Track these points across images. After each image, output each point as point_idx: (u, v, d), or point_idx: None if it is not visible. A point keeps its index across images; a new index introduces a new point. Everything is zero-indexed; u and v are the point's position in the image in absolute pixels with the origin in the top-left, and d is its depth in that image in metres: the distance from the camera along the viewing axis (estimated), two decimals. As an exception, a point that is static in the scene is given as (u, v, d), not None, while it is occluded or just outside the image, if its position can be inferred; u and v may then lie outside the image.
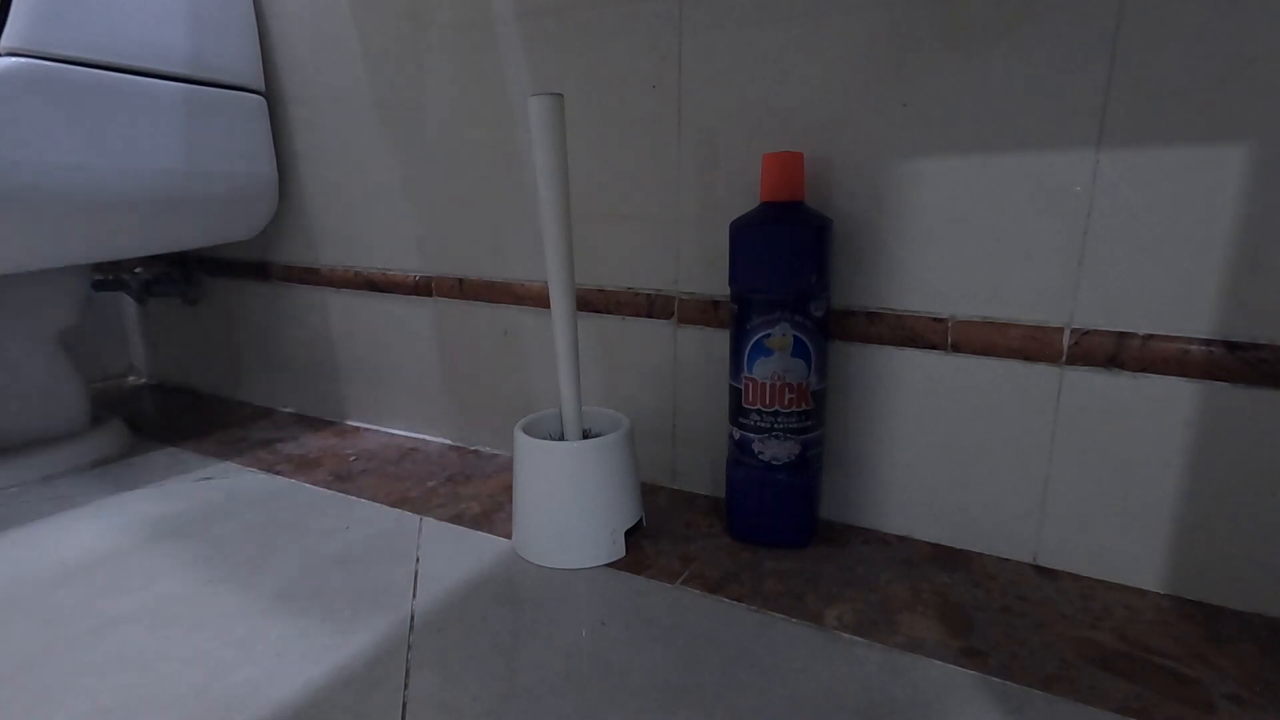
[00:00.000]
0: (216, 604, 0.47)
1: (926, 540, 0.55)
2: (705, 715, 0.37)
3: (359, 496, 0.64)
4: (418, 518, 0.60)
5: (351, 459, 0.73)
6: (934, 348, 0.51)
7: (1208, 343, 0.43)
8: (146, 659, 0.42)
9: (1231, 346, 0.43)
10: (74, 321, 0.75)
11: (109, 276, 0.93)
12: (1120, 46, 0.42)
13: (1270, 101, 0.40)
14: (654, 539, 0.55)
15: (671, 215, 0.59)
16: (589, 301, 0.65)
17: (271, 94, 0.77)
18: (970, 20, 0.46)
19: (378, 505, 0.62)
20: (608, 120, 0.60)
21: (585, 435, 0.55)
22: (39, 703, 0.38)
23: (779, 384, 0.50)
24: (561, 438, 0.54)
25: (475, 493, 0.65)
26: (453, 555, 0.53)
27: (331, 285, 0.81)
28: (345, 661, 0.41)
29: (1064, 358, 0.47)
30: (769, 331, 0.50)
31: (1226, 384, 0.43)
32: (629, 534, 0.54)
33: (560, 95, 0.47)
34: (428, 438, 0.79)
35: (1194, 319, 0.44)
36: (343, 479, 0.68)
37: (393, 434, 0.81)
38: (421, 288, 0.74)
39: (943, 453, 0.53)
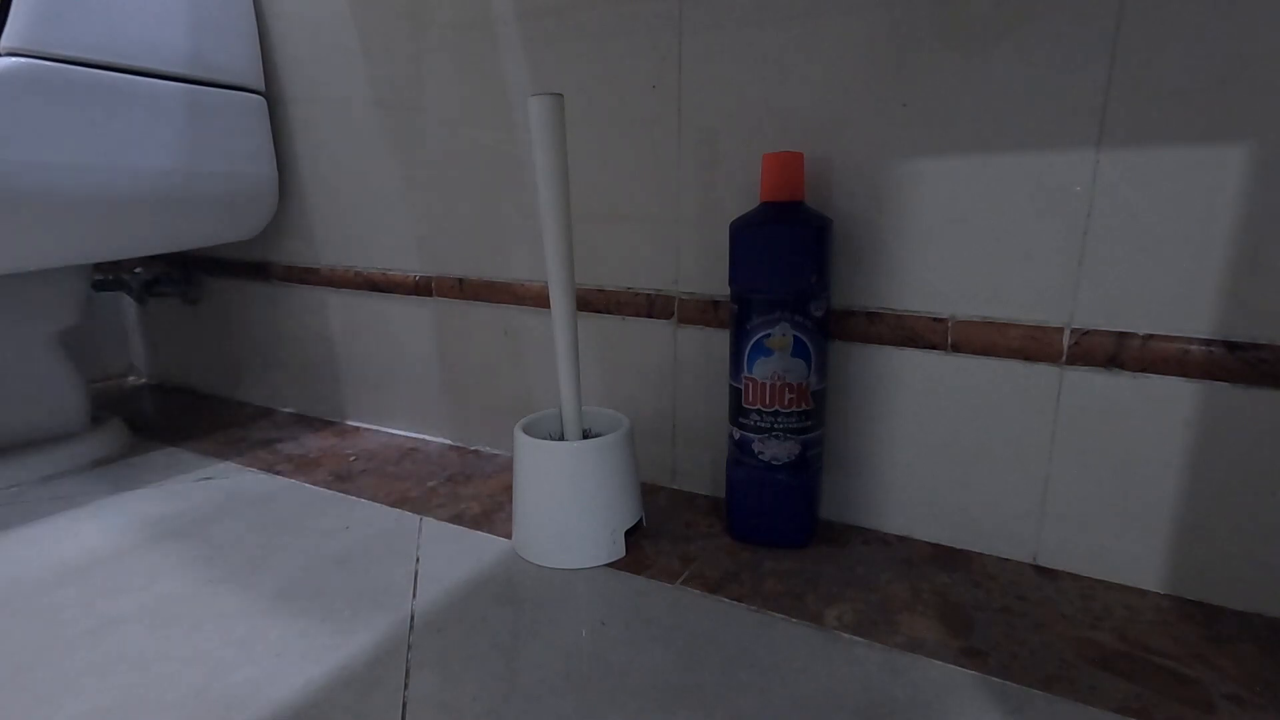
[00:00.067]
0: (216, 604, 0.47)
1: (926, 540, 0.55)
2: (705, 715, 0.37)
3: (359, 496, 0.64)
4: (418, 518, 0.60)
5: (351, 459, 0.73)
6: (934, 348, 0.51)
7: (1208, 343, 0.43)
8: (146, 659, 0.42)
9: (1231, 346, 0.43)
10: (74, 321, 0.75)
11: (109, 276, 0.93)
12: (1120, 46, 0.43)
13: (1270, 101, 0.40)
14: (654, 539, 0.55)
15: (671, 215, 0.59)
16: (589, 301, 0.65)
17: (271, 94, 0.77)
18: (970, 20, 0.46)
19: (378, 505, 0.62)
20: (608, 120, 0.60)
21: (585, 435, 0.55)
22: (39, 703, 0.38)
23: (779, 384, 0.50)
24: (561, 438, 0.54)
25: (475, 493, 0.65)
26: (453, 555, 0.53)
27: (331, 285, 0.81)
28: (345, 661, 0.41)
29: (1064, 358, 0.47)
30: (769, 331, 0.50)
31: (1226, 384, 0.43)
32: (629, 534, 0.54)
33: (560, 95, 0.47)
34: (428, 438, 0.79)
35: (1194, 319, 0.44)
36: (343, 479, 0.68)
37: (393, 434, 0.81)
38: (421, 288, 0.74)
39: (943, 453, 0.53)
